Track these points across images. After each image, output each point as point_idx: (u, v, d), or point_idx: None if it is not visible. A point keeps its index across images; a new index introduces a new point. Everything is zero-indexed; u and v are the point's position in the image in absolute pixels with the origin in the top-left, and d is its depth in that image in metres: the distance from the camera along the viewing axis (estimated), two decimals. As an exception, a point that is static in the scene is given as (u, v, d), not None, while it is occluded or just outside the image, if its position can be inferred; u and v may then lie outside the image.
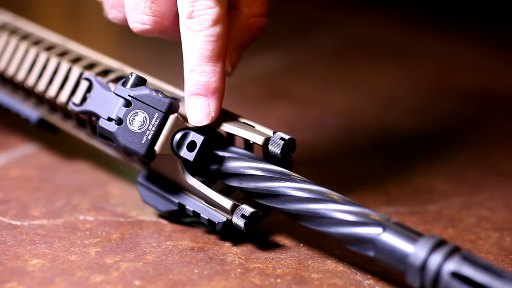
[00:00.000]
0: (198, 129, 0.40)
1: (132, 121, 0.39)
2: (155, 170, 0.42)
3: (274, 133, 0.39)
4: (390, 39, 0.85)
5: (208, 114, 0.40)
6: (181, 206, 0.41)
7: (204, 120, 0.40)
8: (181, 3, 0.39)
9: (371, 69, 0.75)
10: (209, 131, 0.41)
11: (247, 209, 0.39)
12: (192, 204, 0.40)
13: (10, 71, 0.48)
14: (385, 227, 0.35)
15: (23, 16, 0.53)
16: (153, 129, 0.39)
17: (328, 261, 0.39)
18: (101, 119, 0.40)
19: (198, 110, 0.40)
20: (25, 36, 0.49)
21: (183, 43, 0.40)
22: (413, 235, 0.34)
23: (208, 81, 0.39)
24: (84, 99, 0.43)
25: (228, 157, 0.40)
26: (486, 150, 0.55)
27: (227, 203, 0.39)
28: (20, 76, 0.48)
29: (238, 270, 0.38)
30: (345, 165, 0.52)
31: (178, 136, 0.39)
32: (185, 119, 0.40)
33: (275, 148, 0.39)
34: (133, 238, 0.41)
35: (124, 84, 0.39)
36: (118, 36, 0.84)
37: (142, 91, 0.39)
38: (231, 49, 0.42)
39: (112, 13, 0.44)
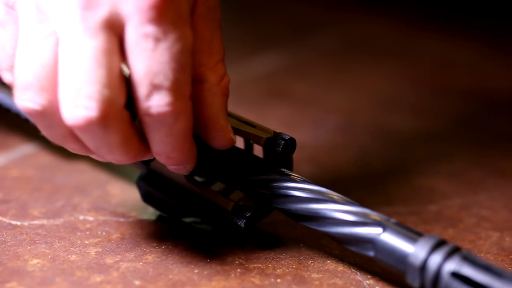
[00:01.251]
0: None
1: (132, 121, 0.39)
2: (155, 170, 0.42)
3: (274, 133, 0.39)
4: (390, 39, 0.85)
5: (187, 172, 0.38)
6: (181, 206, 0.41)
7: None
8: (135, 96, 0.34)
9: (371, 69, 0.75)
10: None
11: (247, 209, 0.39)
12: (192, 204, 0.40)
13: (10, 71, 0.48)
14: (385, 227, 0.35)
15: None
16: (153, 129, 0.38)
17: (328, 261, 0.39)
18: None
19: (177, 171, 0.38)
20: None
21: (146, 135, 0.35)
22: (413, 235, 0.34)
23: (176, 167, 0.37)
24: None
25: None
26: (486, 150, 0.55)
27: (227, 203, 0.39)
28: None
29: (238, 270, 0.38)
30: (345, 165, 0.52)
31: (178, 136, 0.39)
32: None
33: (275, 148, 0.39)
34: (133, 238, 0.41)
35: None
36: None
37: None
38: (227, 121, 0.38)
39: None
